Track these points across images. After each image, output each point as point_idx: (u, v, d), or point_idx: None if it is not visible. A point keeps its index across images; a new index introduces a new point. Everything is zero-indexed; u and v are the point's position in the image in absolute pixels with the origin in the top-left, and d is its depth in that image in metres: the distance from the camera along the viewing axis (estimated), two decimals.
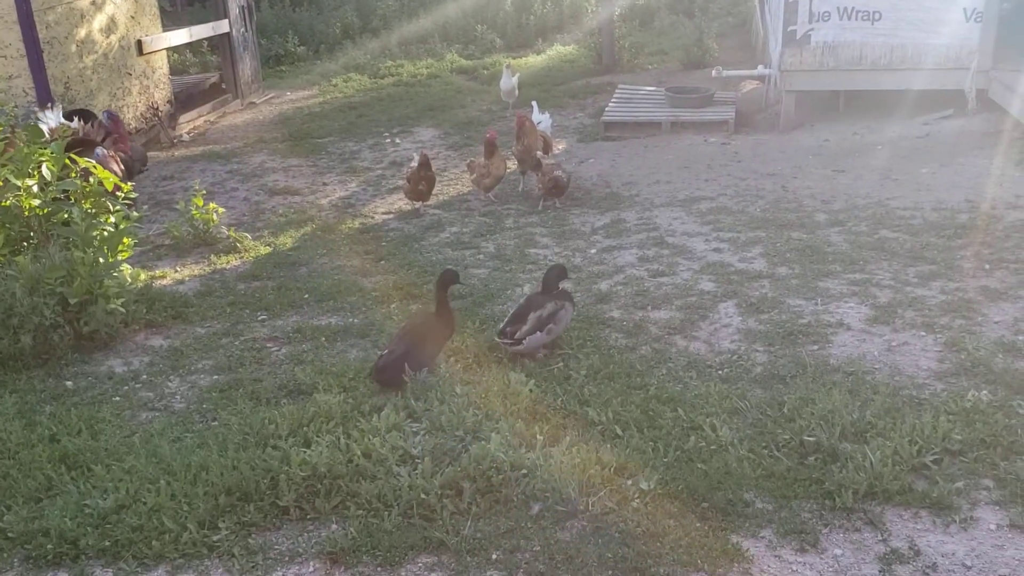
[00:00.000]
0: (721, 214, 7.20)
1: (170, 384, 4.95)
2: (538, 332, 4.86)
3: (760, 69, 10.77)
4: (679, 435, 4.04)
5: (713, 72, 10.83)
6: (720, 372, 4.68)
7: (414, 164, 7.63)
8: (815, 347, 4.88)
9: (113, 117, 8.18)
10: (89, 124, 8.02)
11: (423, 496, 3.63)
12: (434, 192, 8.34)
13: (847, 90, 9.78)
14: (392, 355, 4.62)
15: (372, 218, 7.80)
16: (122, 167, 7.25)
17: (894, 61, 9.16)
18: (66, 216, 5.58)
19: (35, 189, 5.58)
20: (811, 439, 3.90)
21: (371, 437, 4.01)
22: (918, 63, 9.09)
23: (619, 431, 4.08)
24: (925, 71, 9.10)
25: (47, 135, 7.17)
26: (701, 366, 4.75)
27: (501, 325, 5.02)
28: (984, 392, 4.22)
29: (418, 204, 7.81)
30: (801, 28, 9.27)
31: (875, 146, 8.69)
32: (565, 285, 5.22)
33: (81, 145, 7.05)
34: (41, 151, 5.72)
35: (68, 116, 8.07)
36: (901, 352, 4.76)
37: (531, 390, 4.40)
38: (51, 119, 7.52)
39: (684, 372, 4.68)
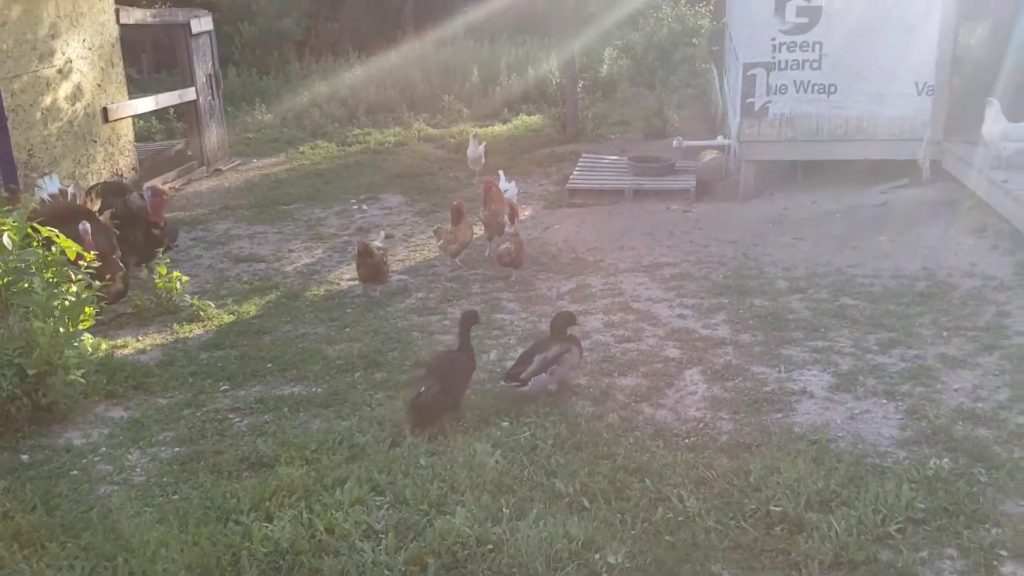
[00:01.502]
0: (685, 280, 7.28)
1: (130, 457, 4.85)
2: (543, 373, 4.99)
3: (720, 139, 11.01)
4: (646, 506, 4.02)
5: (674, 142, 11.05)
6: (687, 441, 4.68)
7: (377, 243, 7.44)
8: (779, 415, 4.91)
9: (156, 193, 8.00)
10: (123, 198, 7.98)
11: (387, 573, 3.57)
12: (401, 258, 8.38)
13: (805, 160, 10.02)
14: (430, 392, 4.78)
15: (337, 284, 7.79)
16: (112, 241, 7.13)
17: (850, 132, 9.42)
18: (26, 286, 5.51)
19: None
20: (777, 509, 3.90)
21: (334, 511, 3.95)
22: (873, 134, 9.36)
23: (586, 503, 4.06)
24: (880, 142, 9.37)
25: (46, 199, 7.19)
26: (668, 435, 4.75)
27: (508, 369, 5.13)
28: (945, 460, 4.26)
29: (372, 288, 7.41)
30: (759, 100, 9.52)
31: (833, 214, 8.88)
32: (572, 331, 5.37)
33: (73, 214, 6.96)
34: (2, 220, 5.66)
35: (102, 189, 8.06)
36: (863, 420, 4.81)
37: (497, 461, 4.37)
38: (49, 186, 7.46)
39: (651, 441, 4.68)
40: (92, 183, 10.17)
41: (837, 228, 8.44)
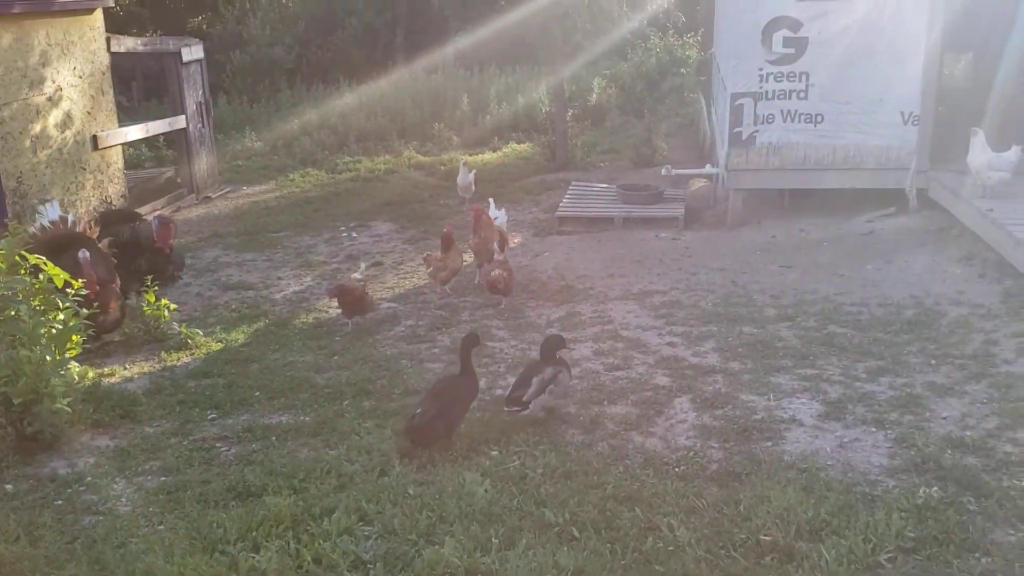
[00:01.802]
0: (674, 308, 7.29)
1: (115, 486, 4.80)
2: (542, 394, 5.07)
3: (708, 168, 11.08)
4: (637, 536, 4.00)
5: (663, 170, 11.11)
6: (677, 469, 4.67)
7: (357, 276, 7.41)
8: (769, 443, 4.91)
9: (163, 221, 7.94)
10: (131, 225, 7.99)
11: None
12: (390, 285, 8.38)
13: (792, 188, 10.09)
14: (425, 416, 4.84)
15: (327, 312, 7.77)
16: (111, 269, 7.09)
17: (837, 161, 9.50)
18: (13, 313, 5.47)
19: None
20: (767, 538, 3.89)
21: (322, 541, 3.92)
22: (860, 163, 9.44)
23: (576, 532, 4.03)
24: (867, 171, 9.45)
25: (47, 226, 7.11)
26: (658, 463, 4.73)
27: (507, 394, 5.21)
28: (935, 488, 4.26)
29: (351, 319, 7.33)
30: (747, 130, 9.60)
31: (821, 242, 8.93)
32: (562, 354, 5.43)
33: (72, 241, 6.93)
34: None
35: (111, 216, 8.11)
36: (853, 448, 4.81)
37: (486, 490, 4.34)
38: (49, 213, 7.43)
39: (641, 470, 4.66)
40: (81, 211, 10.17)
41: (825, 256, 8.49)
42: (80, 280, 6.03)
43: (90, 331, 6.30)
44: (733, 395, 5.56)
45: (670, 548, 3.90)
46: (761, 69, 9.42)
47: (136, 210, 9.21)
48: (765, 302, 7.33)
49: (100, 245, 7.16)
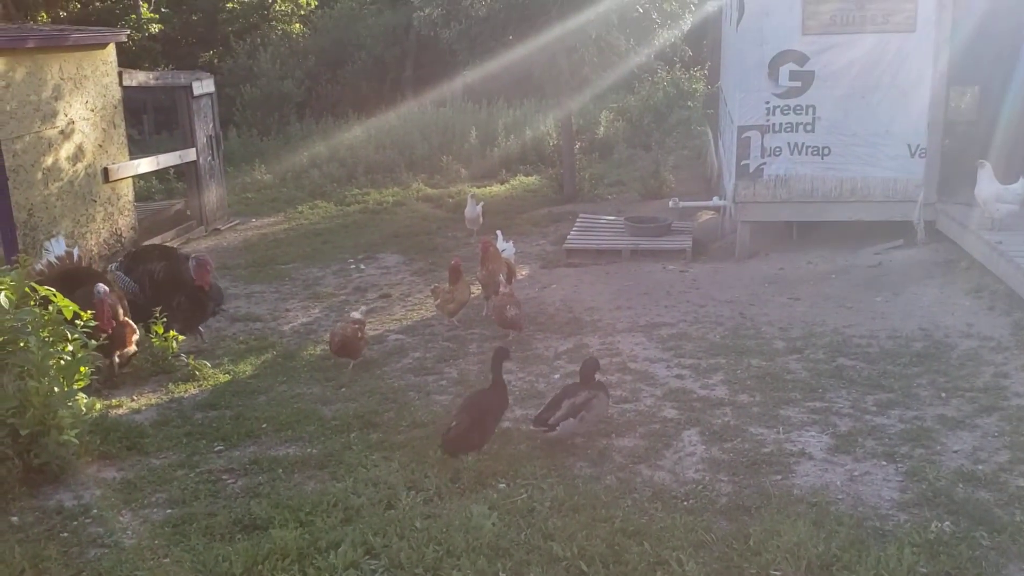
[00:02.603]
0: (682, 340, 7.28)
1: (121, 519, 4.79)
2: (571, 418, 5.11)
3: (715, 200, 11.11)
4: (645, 570, 3.96)
5: (670, 203, 11.15)
6: (685, 503, 4.63)
7: (356, 315, 7.31)
8: (778, 477, 4.87)
9: (200, 262, 7.72)
10: (166, 263, 7.87)
11: None
12: (398, 317, 8.38)
13: (800, 221, 10.09)
14: (460, 428, 5.11)
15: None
16: (123, 303, 7.07)
17: (844, 194, 9.51)
18: (22, 345, 5.49)
19: None
20: (777, 573, 3.85)
21: (328, 575, 3.89)
22: (867, 196, 9.46)
23: (584, 567, 4.00)
24: (874, 203, 9.46)
25: (54, 262, 7.10)
26: (666, 497, 4.70)
27: (536, 413, 5.28)
28: (947, 523, 4.22)
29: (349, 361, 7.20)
30: (754, 162, 9.63)
31: (829, 275, 8.92)
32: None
33: (81, 276, 6.93)
34: (0, 280, 5.67)
35: (145, 253, 8.12)
36: (863, 482, 4.77)
37: (494, 524, 4.32)
38: (55, 248, 7.37)
39: (649, 503, 4.63)
40: (91, 243, 10.23)
41: (833, 288, 8.47)
42: (93, 314, 6.06)
43: (98, 363, 6.31)
44: (742, 428, 5.53)
45: None
46: (768, 102, 9.48)
47: (173, 246, 9.12)
48: (773, 334, 7.31)
49: (112, 281, 7.17)
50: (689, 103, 16.19)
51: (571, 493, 4.69)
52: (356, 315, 7.29)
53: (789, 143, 9.52)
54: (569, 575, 3.95)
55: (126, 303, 7.15)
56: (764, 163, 9.63)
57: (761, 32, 9.45)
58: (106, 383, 6.73)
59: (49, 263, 7.11)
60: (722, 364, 6.67)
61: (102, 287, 6.68)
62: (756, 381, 6.29)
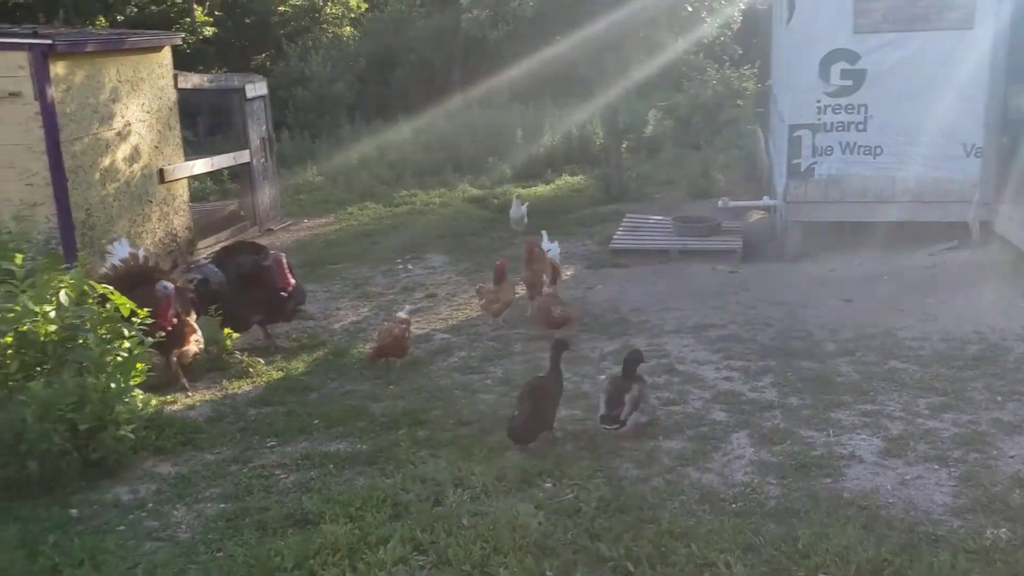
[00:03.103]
0: (731, 342, 7.22)
1: (176, 513, 4.90)
2: (634, 412, 5.31)
3: (766, 200, 11.00)
4: (693, 572, 3.96)
5: (720, 202, 11.05)
6: (733, 505, 4.61)
7: (402, 315, 7.37)
8: (828, 480, 4.82)
9: (277, 260, 7.77)
10: (255, 257, 7.92)
11: None
12: (443, 317, 8.44)
13: (852, 221, 9.95)
14: (523, 416, 5.31)
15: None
16: (188, 302, 7.12)
17: (896, 194, 9.36)
18: (81, 342, 5.64)
19: (52, 315, 5.66)
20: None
21: (377, 571, 3.95)
22: (920, 196, 9.29)
23: (631, 567, 4.00)
24: (928, 204, 9.29)
25: (118, 264, 7.08)
26: (714, 499, 4.68)
27: (600, 413, 5.38)
28: (1003, 530, 4.14)
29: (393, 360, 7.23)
30: (805, 161, 9.52)
31: (881, 276, 8.78)
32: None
33: (146, 276, 6.96)
34: (60, 278, 5.84)
35: (235, 248, 8.20)
36: (915, 486, 4.70)
37: (540, 523, 4.34)
38: (119, 251, 7.31)
39: (697, 505, 4.61)
40: (147, 242, 10.45)
41: (885, 290, 8.34)
42: (159, 312, 6.21)
43: (154, 360, 6.45)
44: (791, 431, 5.48)
45: None
46: (819, 101, 9.36)
47: (258, 242, 9.10)
48: (824, 336, 7.22)
49: (175, 279, 7.18)
50: (739, 102, 16.04)
51: (618, 494, 4.70)
52: (402, 315, 7.36)
53: (841, 142, 9.40)
54: (616, 575, 3.96)
55: (191, 302, 7.18)
56: (815, 162, 9.51)
57: (811, 30, 9.34)
58: (169, 381, 6.82)
59: (114, 266, 7.11)
60: (772, 366, 6.61)
61: (165, 283, 6.73)
62: (806, 384, 6.23)
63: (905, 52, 9.06)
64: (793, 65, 9.63)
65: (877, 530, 4.20)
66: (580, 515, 4.49)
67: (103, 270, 7.05)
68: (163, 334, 6.39)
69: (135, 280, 6.90)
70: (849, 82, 9.24)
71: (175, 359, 6.90)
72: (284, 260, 7.85)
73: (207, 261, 8.12)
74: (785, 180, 9.74)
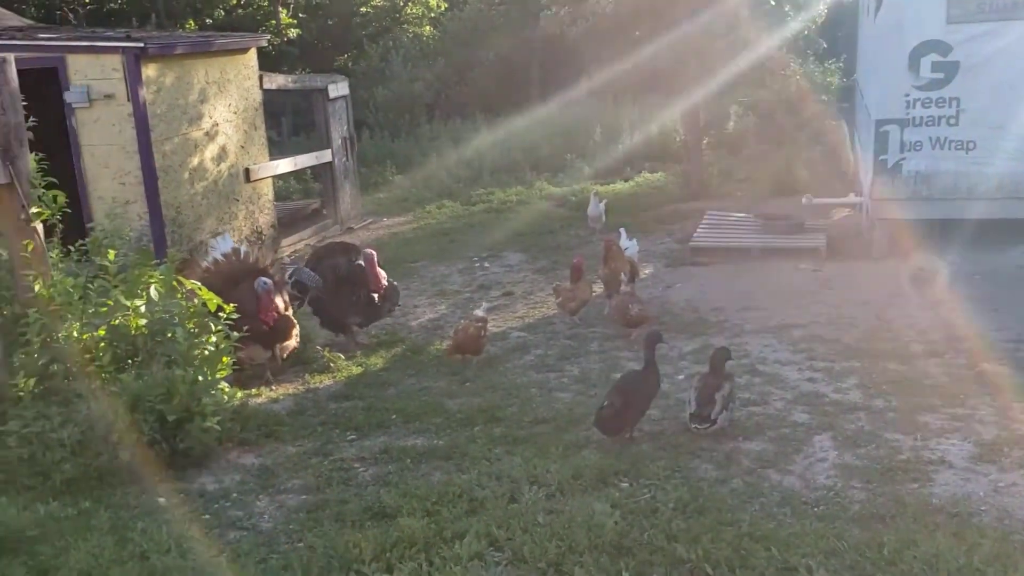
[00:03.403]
0: (814, 342, 7.06)
1: (259, 503, 5.01)
2: (724, 411, 5.28)
3: (851, 197, 10.71)
4: None
5: (803, 199, 10.81)
6: (816, 509, 4.50)
7: (479, 313, 7.40)
8: (915, 485, 4.67)
9: (368, 259, 7.78)
10: (350, 257, 7.99)
11: None
12: (520, 315, 8.45)
13: (942, 219, 9.61)
14: (612, 407, 5.31)
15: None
16: (286, 299, 7.24)
17: (990, 190, 9.00)
18: (170, 335, 5.82)
19: (142, 309, 5.85)
20: None
21: (453, 565, 3.97)
22: (1015, 192, 8.92)
23: (710, 570, 3.94)
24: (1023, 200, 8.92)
25: (220, 260, 7.28)
26: (796, 502, 4.58)
27: (689, 411, 5.35)
28: None
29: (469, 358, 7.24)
30: (892, 157, 9.24)
31: (973, 275, 8.46)
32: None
33: (247, 273, 7.11)
34: (150, 273, 6.03)
35: (329, 248, 8.27)
36: (1009, 494, 4.51)
37: (616, 522, 4.30)
38: (221, 246, 7.48)
39: (778, 508, 4.52)
40: (234, 240, 10.71)
41: (977, 290, 8.03)
42: (261, 308, 6.41)
43: (239, 354, 6.59)
44: (877, 434, 5.32)
45: None
46: (908, 95, 9.07)
47: (349, 241, 9.14)
48: (912, 337, 7.00)
49: (274, 275, 7.26)
50: (823, 97, 15.66)
51: (696, 495, 4.63)
52: (479, 313, 7.38)
53: (931, 137, 9.08)
54: None
55: (288, 299, 7.31)
56: (903, 158, 9.22)
57: (901, 22, 9.05)
58: (275, 373, 7.03)
59: (215, 260, 7.28)
60: (856, 367, 6.44)
61: (264, 280, 6.85)
62: (893, 385, 6.04)
63: (1002, 42, 8.70)
64: (881, 58, 9.36)
65: (968, 538, 4.05)
66: (657, 515, 4.44)
67: (204, 264, 7.19)
68: (267, 329, 6.62)
69: (237, 277, 7.04)
70: (940, 75, 8.93)
71: (279, 353, 7.04)
72: (375, 257, 7.83)
73: (300, 264, 8.18)
74: (871, 176, 9.47)
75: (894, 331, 7.17)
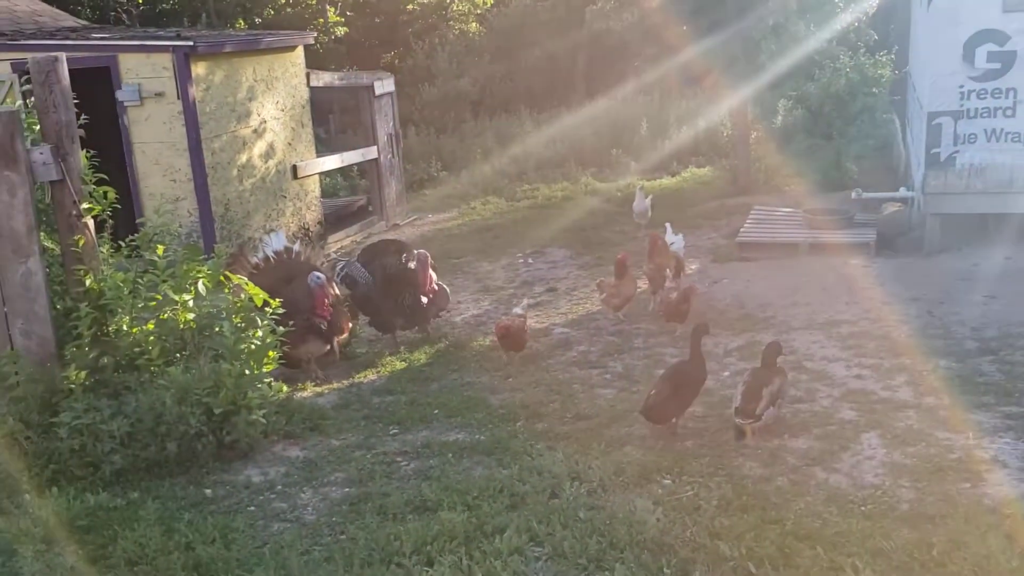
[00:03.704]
0: (863, 339, 6.93)
1: (303, 495, 5.06)
2: (771, 407, 5.22)
3: (902, 191, 10.49)
4: (818, 575, 3.80)
5: (853, 194, 10.62)
6: (863, 508, 4.42)
7: (517, 311, 7.38)
8: (967, 485, 4.56)
9: (421, 260, 7.70)
10: (400, 257, 7.84)
11: None
12: (563, 311, 8.43)
13: (997, 213, 9.38)
14: (660, 396, 5.36)
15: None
16: (338, 295, 7.27)
17: None
18: (217, 330, 5.90)
19: (190, 304, 5.94)
20: None
21: (493, 559, 3.98)
22: None
23: (753, 568, 3.89)
24: None
25: (271, 256, 7.33)
26: (842, 501, 4.50)
27: (735, 405, 5.27)
28: None
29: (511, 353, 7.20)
30: (945, 150, 9.03)
31: None
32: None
33: (298, 271, 7.14)
34: (198, 268, 6.12)
35: (380, 247, 8.16)
36: None
37: (658, 519, 4.27)
38: (274, 243, 7.55)
39: (824, 507, 4.44)
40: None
41: None
42: (315, 303, 6.51)
43: (285, 348, 6.67)
44: (927, 432, 5.21)
45: None
46: (962, 86, 8.85)
47: (402, 240, 9.00)
48: (965, 334, 6.84)
49: (325, 272, 7.25)
50: (874, 90, 15.32)
51: (739, 493, 4.58)
52: (518, 310, 7.38)
53: (986, 129, 8.86)
54: None
55: (340, 296, 7.34)
56: (957, 151, 9.01)
57: (956, 12, 8.83)
58: (330, 363, 7.14)
59: (267, 257, 7.34)
60: (907, 365, 6.31)
61: (318, 275, 6.90)
62: (944, 383, 5.91)
63: None
64: (934, 49, 9.14)
65: (1021, 540, 3.94)
66: (700, 513, 4.39)
67: (254, 260, 7.26)
68: (324, 324, 6.73)
69: (290, 274, 7.10)
70: (996, 65, 8.70)
71: (336, 347, 7.13)
72: (429, 259, 7.72)
73: (352, 259, 8.12)
74: (923, 170, 9.27)
75: (946, 328, 7.01)
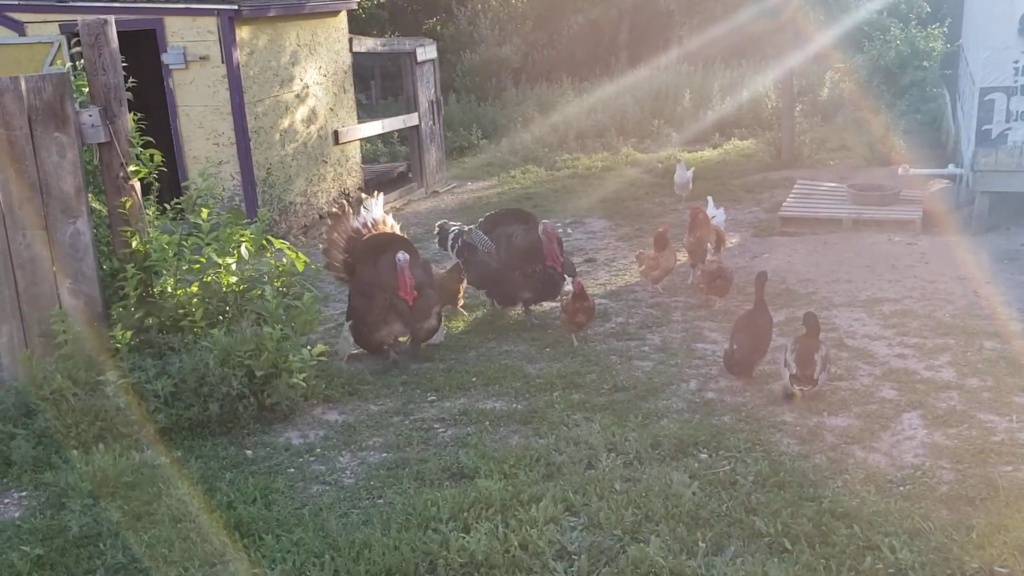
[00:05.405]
0: (906, 317, 6.84)
1: (341, 459, 5.13)
2: (823, 372, 5.36)
3: (951, 168, 10.30)
4: (854, 554, 3.79)
5: (899, 170, 10.43)
6: (901, 488, 4.39)
7: (568, 289, 7.04)
8: (1009, 468, 4.50)
9: (548, 232, 7.14)
10: (526, 227, 7.36)
11: None
12: (602, 282, 8.40)
13: None
14: (744, 350, 5.73)
15: (540, 305, 7.89)
16: (430, 273, 6.90)
17: None
18: (259, 293, 5.97)
19: (233, 267, 6.02)
20: (1003, 570, 3.58)
21: (529, 528, 4.00)
22: None
23: (788, 545, 3.88)
24: None
25: (369, 223, 7.03)
26: (880, 480, 4.47)
27: (789, 373, 5.37)
28: None
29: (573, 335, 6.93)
30: (997, 127, 8.83)
31: None
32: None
33: (391, 243, 6.80)
34: (242, 232, 6.18)
35: (505, 216, 7.71)
36: None
37: (694, 493, 4.28)
38: (374, 208, 7.24)
39: (861, 486, 4.41)
40: (322, 201, 10.90)
41: None
42: (398, 284, 6.33)
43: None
44: (969, 413, 5.14)
45: (890, 570, 3.67)
46: (1016, 61, 8.64)
47: (526, 210, 8.39)
48: (1011, 315, 6.72)
49: (414, 250, 6.87)
50: (925, 63, 14.99)
51: (777, 469, 4.56)
52: (567, 287, 7.23)
53: None
54: (772, 551, 3.85)
55: (432, 274, 6.98)
56: (1009, 128, 8.81)
57: None
58: (410, 355, 6.70)
59: (365, 223, 7.06)
60: (950, 345, 6.22)
61: (402, 255, 6.48)
62: (988, 364, 5.82)
63: None
64: (988, 22, 8.91)
65: None
66: (736, 488, 4.39)
67: (355, 224, 7.04)
68: (407, 306, 6.41)
69: (380, 246, 6.76)
70: None
71: (420, 335, 6.66)
72: (554, 231, 7.23)
73: (475, 228, 7.70)
74: (973, 147, 9.08)
75: (992, 308, 6.90)
